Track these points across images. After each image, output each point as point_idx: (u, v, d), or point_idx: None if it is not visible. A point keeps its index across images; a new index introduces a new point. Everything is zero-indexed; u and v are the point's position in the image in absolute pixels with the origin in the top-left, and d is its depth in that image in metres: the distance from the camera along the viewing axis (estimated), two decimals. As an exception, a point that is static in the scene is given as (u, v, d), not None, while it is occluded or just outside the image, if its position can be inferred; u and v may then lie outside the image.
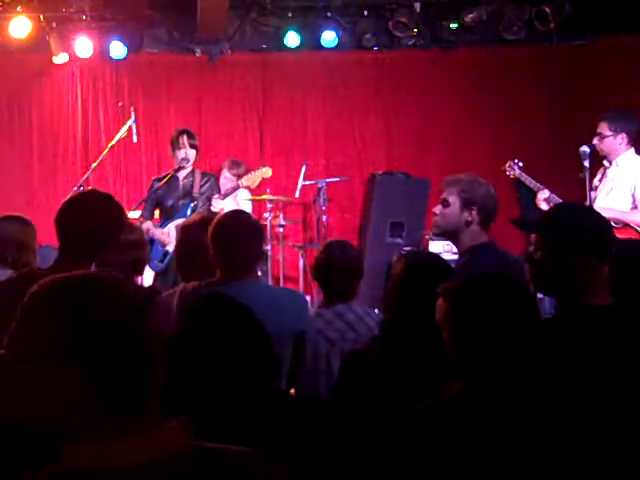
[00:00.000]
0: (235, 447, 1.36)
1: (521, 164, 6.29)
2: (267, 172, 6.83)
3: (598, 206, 5.51)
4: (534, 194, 6.28)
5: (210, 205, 6.01)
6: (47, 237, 4.08)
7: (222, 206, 6.03)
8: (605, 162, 5.88)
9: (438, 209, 3.48)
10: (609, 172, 5.83)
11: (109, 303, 1.32)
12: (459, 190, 3.39)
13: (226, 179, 7.37)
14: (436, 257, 2.95)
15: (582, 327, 2.23)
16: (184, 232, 3.47)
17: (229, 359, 1.95)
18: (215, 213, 5.89)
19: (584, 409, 1.96)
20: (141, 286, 5.73)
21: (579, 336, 2.19)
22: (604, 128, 5.77)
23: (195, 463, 1.29)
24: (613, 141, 5.75)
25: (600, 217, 2.51)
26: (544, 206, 5.82)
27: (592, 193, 5.73)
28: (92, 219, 2.72)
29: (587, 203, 5.62)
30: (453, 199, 3.40)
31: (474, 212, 3.35)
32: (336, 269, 3.35)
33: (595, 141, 5.78)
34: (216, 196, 6.05)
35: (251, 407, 1.93)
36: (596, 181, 5.89)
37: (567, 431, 1.85)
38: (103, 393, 1.28)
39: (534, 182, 6.11)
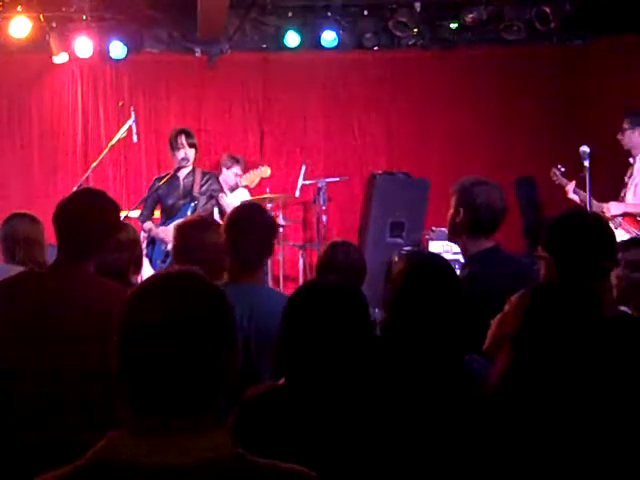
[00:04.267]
0: (285, 464, 1.36)
1: (563, 169, 6.33)
2: (266, 171, 6.82)
3: (629, 202, 5.69)
4: (534, 194, 6.32)
5: (214, 203, 6.02)
6: (47, 237, 4.09)
7: (230, 201, 6.04)
8: (631, 159, 5.98)
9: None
10: (634, 168, 5.94)
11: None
12: (453, 191, 3.41)
13: (234, 174, 7.27)
14: (437, 257, 2.93)
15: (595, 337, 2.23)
16: (179, 232, 3.48)
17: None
18: (212, 213, 5.94)
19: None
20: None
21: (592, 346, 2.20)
22: (625, 122, 5.93)
23: (237, 472, 1.30)
24: (631, 135, 5.88)
25: (605, 233, 2.51)
26: (573, 197, 5.92)
27: (622, 190, 5.88)
28: (87, 218, 2.71)
29: (587, 203, 5.66)
30: (452, 201, 3.41)
31: (461, 214, 3.34)
32: (340, 270, 3.36)
33: (618, 135, 5.92)
34: (221, 194, 6.08)
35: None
36: (626, 178, 5.99)
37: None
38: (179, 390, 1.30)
39: (565, 180, 6.21)
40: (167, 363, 1.29)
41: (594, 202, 5.81)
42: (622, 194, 5.94)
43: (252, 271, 3.14)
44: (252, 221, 3.18)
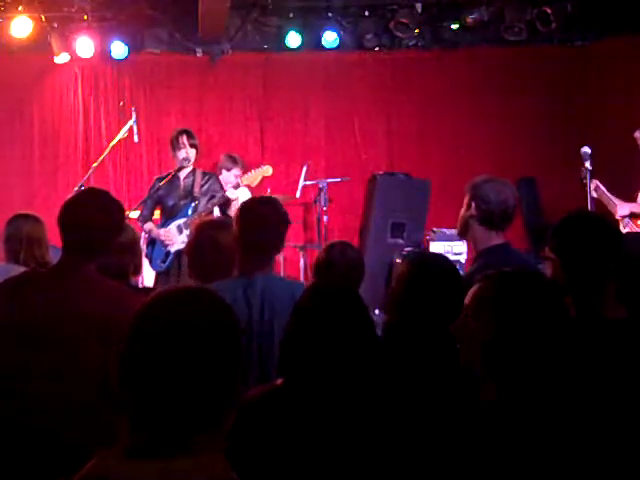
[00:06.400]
0: None
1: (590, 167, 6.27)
2: (267, 170, 6.80)
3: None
4: (534, 195, 6.30)
5: (215, 203, 6.04)
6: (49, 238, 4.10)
7: (237, 195, 6.06)
8: None
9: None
10: None
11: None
12: (466, 189, 3.40)
13: (235, 175, 7.25)
14: (441, 257, 2.94)
15: (599, 340, 2.22)
16: (197, 230, 3.51)
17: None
18: (211, 213, 5.94)
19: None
20: (143, 287, 5.74)
21: (595, 350, 2.19)
22: None
23: None
24: None
25: (611, 233, 2.51)
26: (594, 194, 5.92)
27: (638, 192, 5.92)
28: (91, 218, 2.71)
29: (588, 203, 5.67)
30: (465, 199, 3.41)
31: (473, 208, 3.34)
32: (337, 270, 3.36)
33: (636, 133, 5.94)
34: (229, 186, 6.16)
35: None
36: None
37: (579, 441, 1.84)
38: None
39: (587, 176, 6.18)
40: (163, 377, 1.28)
41: (612, 198, 5.86)
42: (592, 197, 5.91)
43: (262, 264, 3.14)
44: (265, 215, 3.20)
